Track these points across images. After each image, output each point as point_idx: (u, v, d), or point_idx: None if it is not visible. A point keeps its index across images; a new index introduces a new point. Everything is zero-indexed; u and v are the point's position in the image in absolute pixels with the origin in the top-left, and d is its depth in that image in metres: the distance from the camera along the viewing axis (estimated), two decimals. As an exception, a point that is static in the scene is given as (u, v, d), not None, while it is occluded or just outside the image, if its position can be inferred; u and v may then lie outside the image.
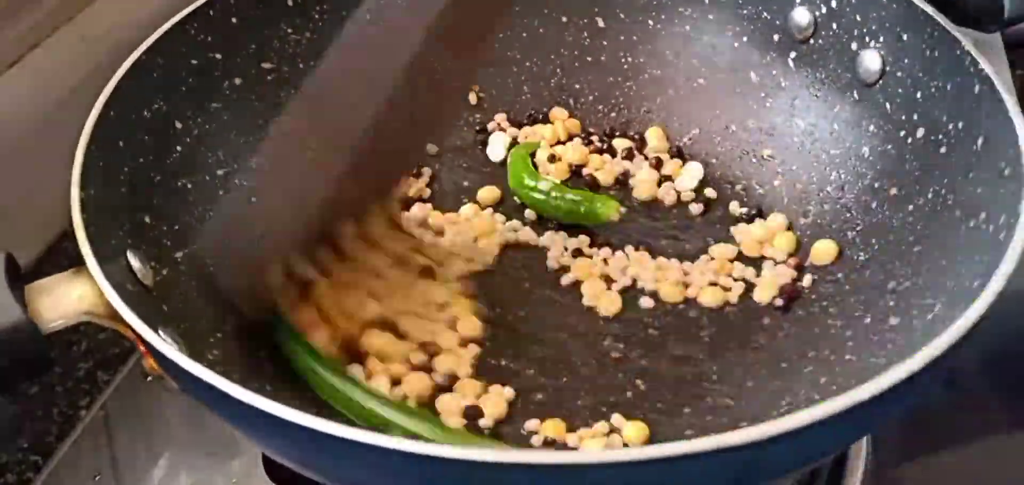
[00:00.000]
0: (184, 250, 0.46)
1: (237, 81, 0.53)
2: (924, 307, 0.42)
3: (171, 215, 0.47)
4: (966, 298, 0.37)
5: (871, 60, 0.52)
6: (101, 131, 0.44)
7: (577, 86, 0.60)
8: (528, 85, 0.60)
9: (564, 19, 0.61)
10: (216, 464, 0.47)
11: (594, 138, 0.58)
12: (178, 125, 0.50)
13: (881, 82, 0.52)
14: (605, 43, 0.61)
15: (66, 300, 0.37)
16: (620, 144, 0.58)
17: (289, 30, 0.56)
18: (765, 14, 0.57)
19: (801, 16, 0.55)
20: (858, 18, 0.53)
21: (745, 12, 0.58)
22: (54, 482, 0.47)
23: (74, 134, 0.42)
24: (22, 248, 0.50)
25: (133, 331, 0.35)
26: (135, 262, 0.41)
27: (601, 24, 0.61)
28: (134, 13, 0.57)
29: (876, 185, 0.50)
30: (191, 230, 0.47)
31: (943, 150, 0.47)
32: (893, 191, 0.49)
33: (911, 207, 0.48)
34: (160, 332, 0.37)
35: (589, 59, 0.60)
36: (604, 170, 0.57)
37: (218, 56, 0.53)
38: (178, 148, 0.49)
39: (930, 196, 0.47)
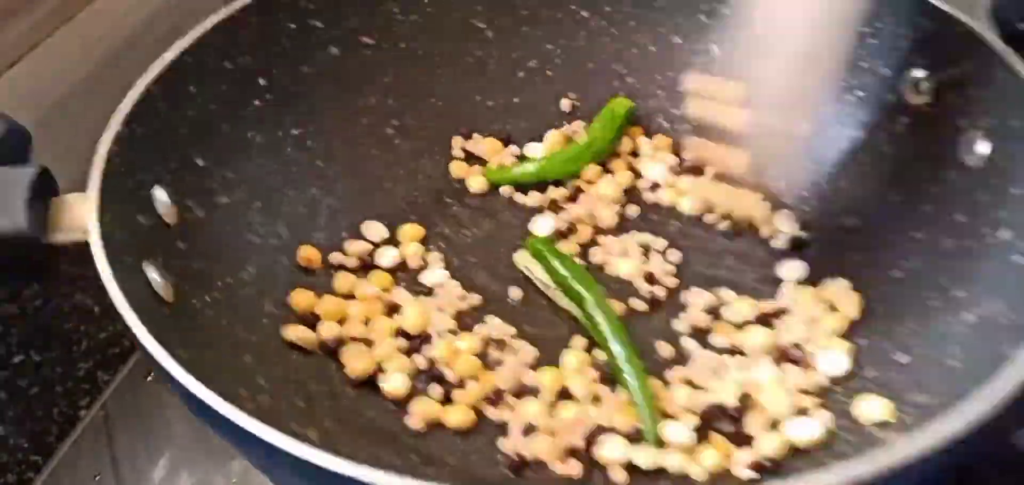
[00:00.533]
0: (231, 197, 0.49)
1: (334, 51, 0.56)
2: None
3: (229, 162, 0.50)
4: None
5: (978, 143, 0.46)
6: (171, 75, 0.47)
7: (675, 111, 0.58)
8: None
9: (678, 41, 0.58)
10: (216, 464, 0.47)
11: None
12: (262, 82, 0.53)
13: (982, 169, 0.46)
14: (716, 75, 0.58)
15: (76, 219, 0.41)
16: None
17: (396, 9, 0.58)
18: (884, 70, 0.52)
19: (919, 81, 0.50)
20: (975, 93, 0.47)
21: (865, 65, 0.53)
22: (54, 482, 0.47)
23: (75, 134, 0.43)
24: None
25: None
26: (161, 196, 0.45)
27: (717, 52, 0.58)
28: (134, 13, 0.58)
29: (943, 281, 0.45)
30: (247, 179, 0.50)
31: (1016, 259, 0.41)
32: (960, 294, 0.44)
33: (967, 317, 0.42)
34: (144, 266, 0.41)
35: (693, 88, 0.58)
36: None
37: (319, 24, 0.55)
38: (256, 102, 0.52)
39: (986, 311, 0.41)
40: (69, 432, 0.49)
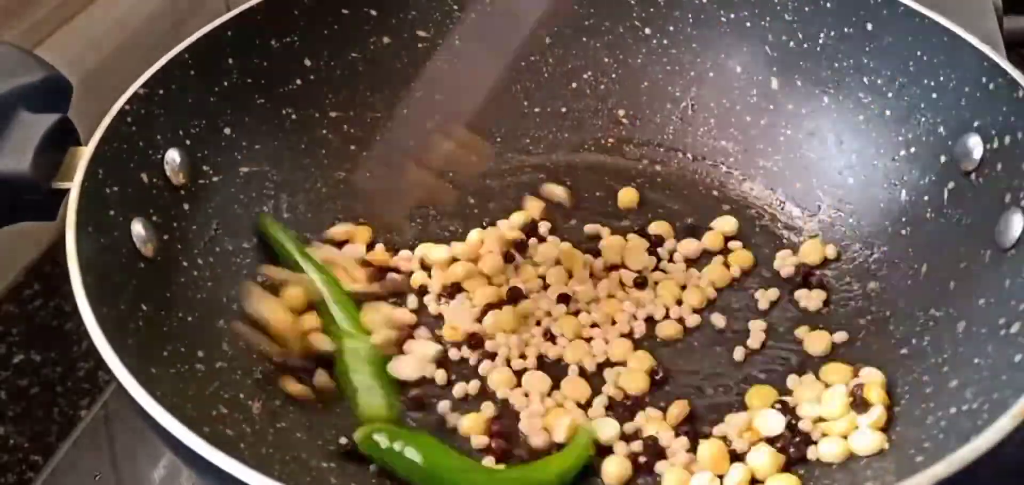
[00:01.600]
0: (254, 168, 0.51)
1: (386, 40, 0.56)
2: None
3: (259, 135, 0.51)
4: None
5: (1015, 223, 0.42)
6: (207, 46, 0.49)
7: (724, 143, 0.55)
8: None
9: (739, 69, 0.55)
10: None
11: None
12: (307, 62, 0.54)
13: (1014, 251, 0.41)
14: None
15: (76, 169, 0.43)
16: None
17: (455, 7, 0.58)
18: (941, 130, 0.47)
19: (973, 144, 0.45)
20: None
21: (923, 120, 0.48)
22: (54, 482, 0.47)
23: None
24: (21, 249, 0.53)
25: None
26: (173, 157, 0.47)
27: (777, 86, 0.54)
28: (133, 15, 0.58)
29: (946, 369, 0.40)
30: (272, 152, 0.52)
31: (1018, 357, 0.37)
32: (953, 382, 0.39)
33: (951, 409, 0.38)
34: (132, 221, 0.43)
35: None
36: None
37: (373, 12, 0.56)
38: (298, 81, 0.54)
39: (976, 406, 0.37)
40: (69, 432, 0.48)
